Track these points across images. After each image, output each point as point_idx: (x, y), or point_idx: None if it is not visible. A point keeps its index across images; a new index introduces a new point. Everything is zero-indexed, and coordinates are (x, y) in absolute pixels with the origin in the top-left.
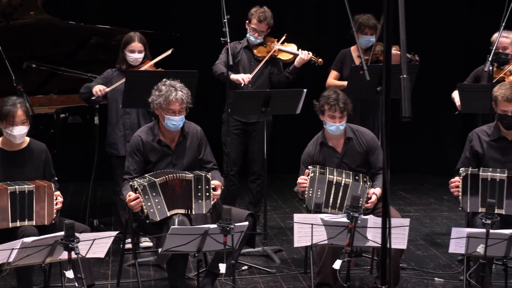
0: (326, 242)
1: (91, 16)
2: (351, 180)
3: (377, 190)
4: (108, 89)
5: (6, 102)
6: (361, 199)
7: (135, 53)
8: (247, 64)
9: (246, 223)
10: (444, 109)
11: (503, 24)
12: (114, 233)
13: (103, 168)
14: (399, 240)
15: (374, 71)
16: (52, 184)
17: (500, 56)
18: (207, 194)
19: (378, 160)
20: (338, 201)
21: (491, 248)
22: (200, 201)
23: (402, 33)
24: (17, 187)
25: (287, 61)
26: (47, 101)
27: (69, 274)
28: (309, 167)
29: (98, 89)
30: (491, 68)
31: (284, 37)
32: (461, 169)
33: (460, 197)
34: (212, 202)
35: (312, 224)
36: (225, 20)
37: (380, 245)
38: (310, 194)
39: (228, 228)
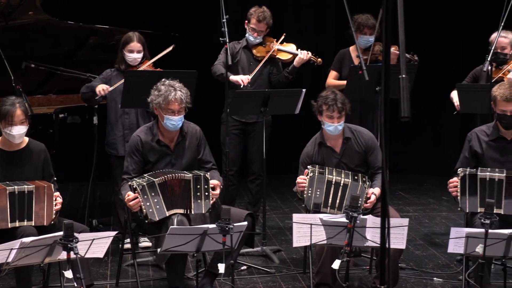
0: (325, 242)
1: (90, 16)
2: (350, 180)
3: (376, 190)
4: (111, 88)
5: (5, 102)
6: (360, 199)
7: (134, 53)
8: (246, 64)
9: (245, 223)
10: (443, 109)
11: (502, 24)
12: (113, 233)
13: (102, 168)
14: (398, 240)
15: (373, 71)
16: (52, 184)
17: (498, 56)
18: (206, 193)
19: (376, 160)
20: (337, 201)
21: (490, 248)
22: (199, 200)
23: (401, 33)
24: (16, 187)
25: (286, 61)
26: (46, 101)
27: (68, 274)
28: (308, 166)
29: (102, 88)
30: (489, 68)
31: (283, 37)
32: (459, 169)
33: (458, 198)
34: (211, 202)
35: (311, 224)
36: (224, 20)
37: (379, 245)
38: (309, 194)
39: (227, 228)
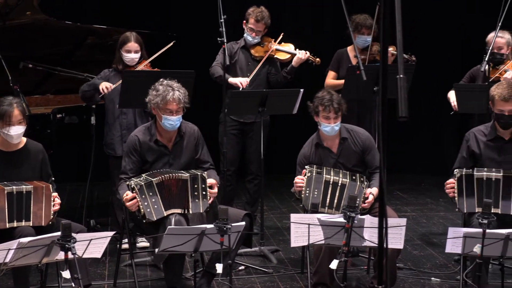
0: (323, 242)
1: (90, 16)
2: (348, 180)
3: (374, 190)
4: (114, 86)
5: (3, 102)
6: (358, 199)
7: (131, 53)
8: (244, 64)
9: (243, 223)
10: (441, 109)
11: (499, 24)
12: (111, 233)
13: (100, 168)
14: (396, 240)
15: (371, 71)
16: (50, 185)
17: (495, 56)
18: (204, 193)
19: (374, 160)
20: (335, 201)
21: (488, 248)
22: (197, 200)
23: (398, 33)
24: (14, 187)
25: (284, 61)
26: (43, 101)
27: (66, 274)
28: (306, 167)
29: (105, 86)
30: (487, 68)
31: (281, 37)
32: (455, 170)
33: (456, 199)
34: (209, 201)
35: (309, 224)
36: (222, 20)
37: (376, 245)
38: (307, 194)
39: (225, 228)
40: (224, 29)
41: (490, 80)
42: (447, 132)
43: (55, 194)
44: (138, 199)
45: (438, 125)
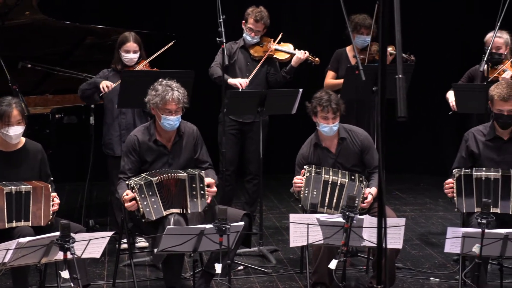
0: (322, 242)
1: (89, 16)
2: (347, 180)
3: (373, 190)
4: (114, 85)
5: (2, 103)
6: (357, 199)
7: (130, 53)
8: (243, 64)
9: (242, 223)
10: (440, 109)
11: (498, 24)
12: (110, 233)
13: (98, 168)
14: (395, 240)
15: (370, 71)
16: (49, 185)
17: (493, 56)
18: (202, 192)
19: (373, 159)
20: (334, 201)
21: (487, 248)
22: (195, 199)
23: (397, 33)
24: (13, 187)
25: (283, 61)
26: (42, 101)
27: (65, 274)
28: (304, 167)
29: (106, 84)
30: (485, 67)
31: (280, 36)
32: (454, 170)
33: (455, 199)
34: (208, 200)
35: (308, 224)
36: (221, 20)
37: (375, 245)
38: (306, 194)
39: (223, 228)
40: (223, 29)
41: (488, 80)
42: (446, 132)
43: (54, 194)
44: (138, 198)
45: (437, 125)
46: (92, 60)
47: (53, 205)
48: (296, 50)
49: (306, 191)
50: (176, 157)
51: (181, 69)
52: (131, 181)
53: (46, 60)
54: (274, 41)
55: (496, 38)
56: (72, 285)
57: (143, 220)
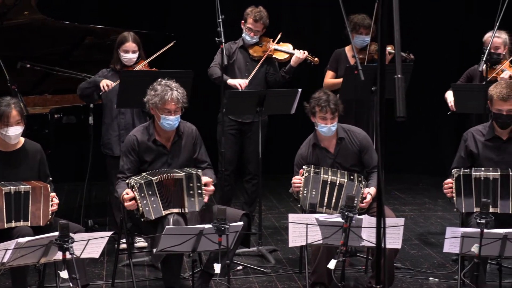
0: (321, 242)
1: (88, 16)
2: (345, 180)
3: (372, 190)
4: (114, 84)
5: (1, 103)
6: (355, 199)
7: (129, 53)
8: (243, 64)
9: (241, 223)
10: (439, 109)
11: (497, 24)
12: (109, 233)
13: (97, 168)
14: (394, 239)
15: (369, 71)
16: (48, 185)
17: (492, 56)
18: (199, 191)
19: (371, 159)
20: (333, 201)
21: (486, 248)
22: (192, 198)
23: (396, 33)
24: (12, 187)
25: (282, 61)
26: (41, 101)
27: (64, 274)
28: (303, 167)
29: (106, 83)
30: (484, 67)
31: (279, 36)
32: (453, 170)
33: (454, 199)
34: (205, 199)
35: (307, 224)
36: (220, 20)
37: (374, 245)
38: (305, 194)
39: (223, 228)
40: (222, 29)
41: (487, 80)
42: (445, 132)
43: (53, 194)
44: (137, 197)
45: (436, 125)
46: (91, 60)
47: (52, 205)
48: (295, 50)
49: (305, 191)
50: (176, 156)
51: (181, 69)
52: (131, 179)
53: (45, 60)
54: (273, 41)
55: (495, 38)
56: (71, 285)
57: (142, 220)
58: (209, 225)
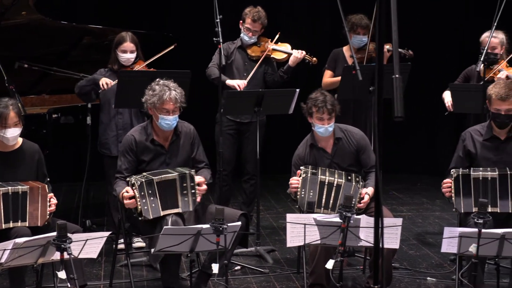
0: (318, 242)
1: (87, 16)
2: (343, 180)
3: (370, 190)
4: (114, 83)
5: None
6: (353, 199)
7: (127, 53)
8: (241, 64)
9: (239, 223)
10: (437, 109)
11: (495, 24)
12: (107, 233)
13: (95, 169)
14: (392, 239)
15: (367, 71)
16: (46, 185)
17: (489, 56)
18: (193, 191)
19: (369, 159)
20: (331, 201)
21: (483, 248)
22: (186, 198)
23: (394, 33)
24: (9, 188)
25: (281, 61)
26: (39, 101)
27: (62, 274)
28: (301, 167)
29: (105, 81)
30: (482, 67)
31: (277, 36)
32: (452, 170)
33: (453, 199)
34: (198, 199)
35: (304, 224)
36: (218, 20)
37: (372, 245)
38: (303, 195)
39: (221, 228)
40: (220, 29)
41: (485, 80)
42: (443, 132)
43: (51, 194)
44: (137, 196)
45: (434, 125)
46: (89, 60)
47: (50, 205)
48: (294, 50)
49: (303, 192)
50: (174, 156)
51: (180, 69)
52: (132, 178)
53: (43, 60)
54: (271, 41)
55: (492, 38)
56: (69, 286)
57: (140, 218)
58: (207, 225)
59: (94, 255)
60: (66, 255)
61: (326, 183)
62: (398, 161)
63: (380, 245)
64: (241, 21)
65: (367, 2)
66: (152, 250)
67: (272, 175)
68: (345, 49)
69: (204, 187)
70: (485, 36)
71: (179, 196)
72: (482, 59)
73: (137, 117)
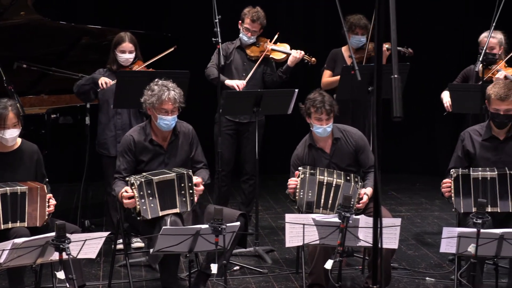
0: (317, 242)
1: (86, 17)
2: (342, 181)
3: (368, 190)
4: (113, 82)
5: None
6: (352, 199)
7: (125, 54)
8: (240, 64)
9: (238, 223)
10: (436, 109)
11: (493, 24)
12: (106, 233)
13: (94, 169)
14: (391, 240)
15: (366, 71)
16: (45, 185)
17: (488, 56)
18: (190, 191)
19: (368, 159)
20: (330, 201)
21: (482, 248)
22: (183, 198)
23: (393, 32)
24: (8, 188)
25: (280, 61)
26: (38, 101)
27: (60, 275)
28: (299, 168)
29: (104, 81)
30: (480, 67)
31: (276, 36)
32: (451, 170)
33: (452, 199)
34: (196, 199)
35: (303, 224)
36: (216, 20)
37: (371, 245)
38: (301, 195)
39: (219, 229)
40: (218, 29)
41: (483, 80)
42: (442, 132)
43: (49, 195)
44: (136, 195)
45: (433, 125)
46: (87, 60)
47: (49, 206)
48: (292, 50)
49: (302, 193)
50: (172, 156)
51: (178, 69)
52: (131, 177)
53: (42, 60)
54: (270, 41)
55: (490, 38)
56: (68, 286)
57: (138, 218)
58: (206, 226)
59: (93, 255)
60: (65, 255)
61: (325, 183)
62: (397, 161)
63: (379, 245)
64: (240, 21)
65: (366, 2)
66: (151, 250)
67: (271, 175)
68: (344, 49)
69: (201, 187)
70: (483, 36)
71: (177, 196)
72: (480, 59)
73: (136, 117)
